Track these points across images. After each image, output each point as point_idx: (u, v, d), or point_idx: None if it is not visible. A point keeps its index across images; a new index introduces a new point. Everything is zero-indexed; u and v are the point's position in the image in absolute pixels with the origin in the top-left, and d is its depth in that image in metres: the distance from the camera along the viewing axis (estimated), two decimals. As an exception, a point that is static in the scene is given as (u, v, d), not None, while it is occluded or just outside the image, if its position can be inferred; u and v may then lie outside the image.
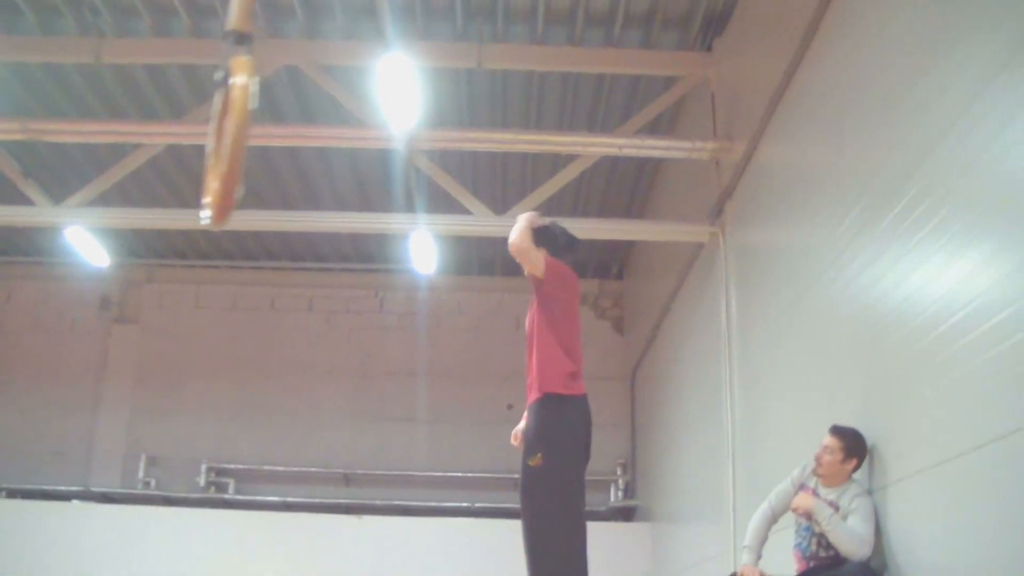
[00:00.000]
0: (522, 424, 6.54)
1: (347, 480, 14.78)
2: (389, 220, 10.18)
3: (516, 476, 14.09)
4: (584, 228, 9.87)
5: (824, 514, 5.76)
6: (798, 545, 6.09)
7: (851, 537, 5.65)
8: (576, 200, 12.67)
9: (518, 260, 5.96)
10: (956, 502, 5.14)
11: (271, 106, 10.92)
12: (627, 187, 12.55)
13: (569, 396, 6.01)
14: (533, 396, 6.03)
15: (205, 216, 3.42)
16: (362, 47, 9.76)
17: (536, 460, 5.92)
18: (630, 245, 14.65)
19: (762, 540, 6.24)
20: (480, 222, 9.79)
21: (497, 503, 14.36)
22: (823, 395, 7.14)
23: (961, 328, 5.08)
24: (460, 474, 14.85)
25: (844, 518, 5.76)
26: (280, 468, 14.72)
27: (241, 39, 3.43)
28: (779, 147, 8.23)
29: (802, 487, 6.15)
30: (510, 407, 15.19)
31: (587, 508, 13.95)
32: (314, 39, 9.87)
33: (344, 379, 15.22)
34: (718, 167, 9.82)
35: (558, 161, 10.49)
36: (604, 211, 11.50)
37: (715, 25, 9.72)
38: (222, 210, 3.24)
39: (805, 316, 7.49)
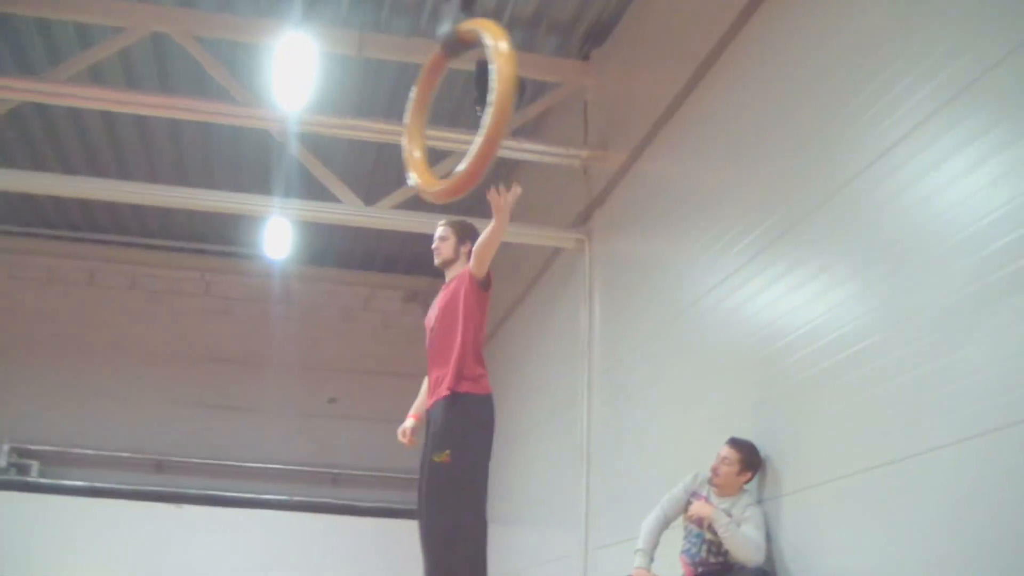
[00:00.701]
0: (410, 422, 6.60)
1: (159, 467, 14.23)
2: (246, 201, 9.83)
3: (333, 471, 14.08)
4: (413, 221, 9.96)
5: (722, 522, 5.96)
6: (687, 551, 6.27)
7: (747, 544, 5.87)
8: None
9: (480, 255, 5.90)
10: (847, 517, 5.48)
11: (129, 72, 10.46)
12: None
13: (484, 396, 6.01)
14: (444, 392, 5.97)
15: (416, 183, 3.17)
16: (237, 21, 9.49)
17: (443, 457, 5.85)
18: (465, 245, 14.67)
19: (654, 544, 6.38)
20: (349, 211, 9.64)
21: (316, 497, 14.19)
22: (702, 410, 7.40)
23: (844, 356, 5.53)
24: (279, 466, 14.54)
25: (738, 526, 5.97)
26: (89, 451, 14.03)
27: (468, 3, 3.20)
28: (664, 164, 8.43)
29: (694, 495, 6.33)
30: (332, 401, 15.03)
31: (405, 506, 13.99)
32: (188, 7, 9.53)
33: (163, 362, 14.65)
34: (586, 175, 9.99)
35: (433, 156, 10.37)
36: (448, 208, 11.37)
37: (596, 36, 9.86)
38: (459, 187, 3.01)
39: (685, 332, 7.72)
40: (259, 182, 11.19)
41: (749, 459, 6.18)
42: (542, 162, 10.02)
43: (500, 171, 11.56)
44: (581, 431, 9.35)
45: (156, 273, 15.05)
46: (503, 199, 5.72)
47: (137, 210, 13.82)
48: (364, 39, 9.59)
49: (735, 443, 6.22)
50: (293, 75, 8.82)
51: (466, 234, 6.29)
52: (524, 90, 2.92)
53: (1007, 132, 4.59)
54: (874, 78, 5.57)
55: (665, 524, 6.42)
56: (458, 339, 6.00)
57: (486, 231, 5.84)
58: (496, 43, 2.78)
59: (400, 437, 6.62)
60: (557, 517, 9.76)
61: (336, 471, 14.75)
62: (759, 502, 6.16)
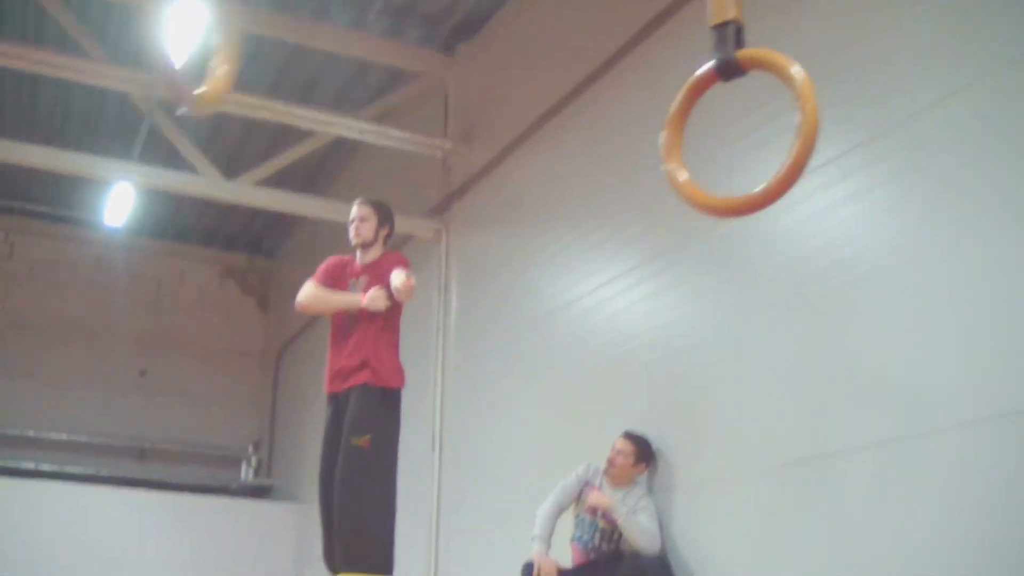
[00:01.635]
0: None
1: (-44, 436, 13.56)
2: (92, 164, 9.48)
3: (141, 446, 13.75)
4: (274, 199, 10.02)
5: (620, 511, 6.29)
6: (579, 539, 6.59)
7: (644, 533, 6.22)
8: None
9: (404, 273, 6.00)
10: (736, 513, 6.00)
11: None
12: (312, 164, 12.29)
13: (399, 390, 6.23)
14: (364, 380, 6.09)
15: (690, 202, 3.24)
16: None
17: (363, 441, 5.96)
18: (290, 224, 14.57)
19: (551, 531, 6.63)
20: (207, 184, 9.49)
21: (122, 472, 13.81)
22: (564, 409, 7.89)
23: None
24: (85, 439, 14.07)
25: (633, 515, 6.32)
26: None
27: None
28: (536, 167, 8.76)
29: (587, 484, 6.63)
30: (143, 374, 14.65)
31: (216, 484, 13.88)
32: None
33: (-41, 326, 13.94)
34: (444, 166, 10.16)
35: (291, 135, 10.37)
36: (281, 183, 11.22)
37: (463, 31, 10.01)
38: (757, 205, 3.09)
39: (551, 333, 8.18)
40: (104, 145, 10.82)
41: (643, 452, 6.55)
42: (398, 149, 10.07)
43: (348, 151, 11.59)
44: (432, 417, 9.52)
45: (-45, 231, 14.27)
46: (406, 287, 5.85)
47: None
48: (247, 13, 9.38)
49: (630, 436, 6.58)
50: (171, 40, 8.56)
51: (386, 216, 6.41)
52: None
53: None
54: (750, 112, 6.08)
55: (559, 512, 6.69)
56: (383, 336, 6.19)
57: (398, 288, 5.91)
58: (794, 72, 2.90)
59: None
60: (406, 500, 9.86)
61: (144, 445, 14.40)
62: (650, 493, 6.52)
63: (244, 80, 9.53)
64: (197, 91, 4.73)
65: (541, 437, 8.11)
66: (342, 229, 11.54)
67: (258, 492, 14.18)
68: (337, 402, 6.20)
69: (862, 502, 5.19)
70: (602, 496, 6.44)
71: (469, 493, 8.97)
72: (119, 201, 11.43)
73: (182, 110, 5.34)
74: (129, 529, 12.46)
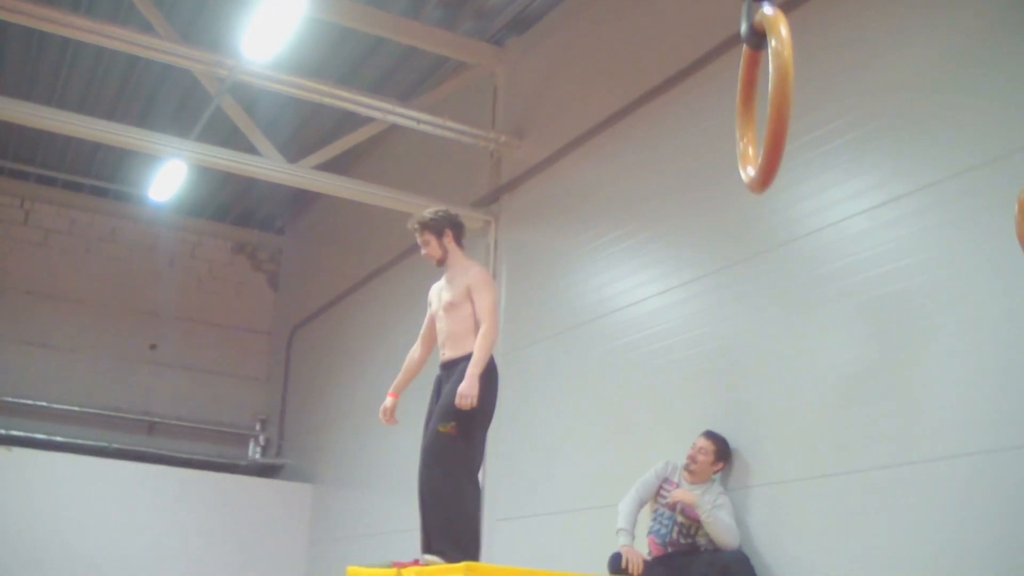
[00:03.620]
0: (390, 401, 6.83)
1: (-32, 405, 13.47)
2: (151, 139, 9.42)
3: (150, 419, 13.78)
4: (334, 184, 10.05)
5: (704, 508, 6.48)
6: (656, 532, 6.75)
7: (726, 528, 6.42)
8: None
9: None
10: (813, 512, 6.18)
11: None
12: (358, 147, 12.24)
13: (490, 366, 6.27)
14: (455, 357, 6.31)
15: (749, 179, 3.28)
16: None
17: (448, 428, 6.07)
18: (303, 203, 14.62)
19: (634, 523, 6.78)
20: (269, 166, 9.53)
21: (133, 446, 13.81)
22: (617, 404, 8.06)
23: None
24: (95, 411, 14.04)
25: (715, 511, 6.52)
26: None
27: None
28: (594, 168, 8.87)
29: (666, 481, 6.82)
30: (153, 347, 14.63)
31: (224, 460, 13.96)
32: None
33: (-27, 292, 13.83)
34: (493, 158, 10.28)
35: (345, 120, 10.46)
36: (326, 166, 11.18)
37: (516, 26, 10.12)
38: (768, 176, 3.16)
39: (604, 332, 8.33)
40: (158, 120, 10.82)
41: (722, 450, 6.74)
42: (451, 139, 10.17)
43: (393, 136, 11.65)
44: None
45: (-29, 195, 14.14)
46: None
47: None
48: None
49: (711, 436, 6.76)
50: (254, 26, 8.60)
51: (440, 225, 6.52)
52: None
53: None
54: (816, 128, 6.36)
55: (640, 506, 6.85)
56: (470, 326, 6.33)
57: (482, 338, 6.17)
58: (777, 28, 2.97)
59: (381, 416, 6.83)
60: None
61: (153, 419, 14.39)
62: (726, 491, 6.74)
63: (293, 62, 9.65)
64: None
65: (590, 431, 8.29)
66: (357, 210, 11.82)
67: (268, 471, 14.22)
68: (438, 384, 6.44)
69: (932, 509, 5.46)
70: (686, 492, 6.62)
71: (515, 483, 9.12)
72: (169, 178, 11.41)
73: None
74: (139, 502, 12.50)
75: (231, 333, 15.17)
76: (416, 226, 6.48)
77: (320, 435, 13.27)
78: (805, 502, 6.26)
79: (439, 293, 6.62)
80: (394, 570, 6.11)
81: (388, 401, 6.82)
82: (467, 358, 6.16)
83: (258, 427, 14.67)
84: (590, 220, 8.75)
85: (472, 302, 6.32)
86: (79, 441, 13.51)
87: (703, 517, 6.46)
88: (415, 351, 6.95)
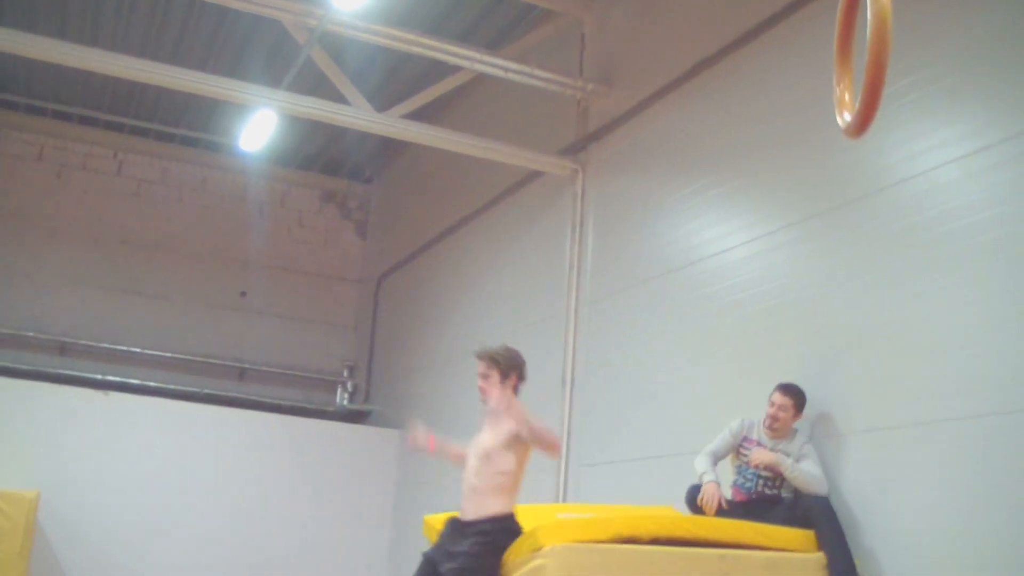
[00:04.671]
0: (423, 438, 6.49)
1: (63, 349, 13.82)
2: (242, 89, 9.52)
3: (240, 366, 13.98)
4: (422, 134, 10.06)
5: (786, 464, 6.44)
6: (740, 484, 6.74)
7: (813, 479, 6.38)
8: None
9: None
10: (903, 459, 6.09)
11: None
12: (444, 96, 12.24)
13: (507, 515, 5.92)
14: (470, 517, 5.90)
15: (846, 125, 3.25)
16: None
17: None
18: (391, 152, 14.70)
19: (715, 469, 6.76)
20: (358, 115, 9.59)
21: (225, 391, 14.12)
22: (703, 352, 8.01)
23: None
24: (186, 357, 14.37)
25: (797, 462, 6.49)
26: (-13, 326, 13.50)
27: None
28: (685, 116, 8.76)
29: (745, 440, 6.76)
30: (243, 294, 14.87)
31: (312, 406, 14.10)
32: None
33: (69, 240, 14.17)
34: (580, 106, 10.24)
35: (433, 69, 10.48)
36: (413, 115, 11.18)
37: (602, -25, 10.05)
38: (866, 122, 3.12)
39: (693, 281, 8.27)
40: (248, 70, 10.91)
41: (800, 402, 6.65)
42: (538, 88, 10.14)
43: (485, 88, 11.64)
44: (564, 352, 9.68)
45: (66, 145, 14.41)
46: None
47: (49, 72, 12.91)
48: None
49: (787, 390, 6.65)
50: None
51: (509, 365, 6.10)
52: None
53: None
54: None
55: (716, 463, 6.82)
56: (499, 486, 5.92)
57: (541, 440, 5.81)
58: None
59: (410, 442, 6.62)
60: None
61: (244, 366, 14.68)
62: (810, 439, 6.68)
63: (381, 11, 9.65)
64: None
65: (674, 379, 8.28)
66: (445, 159, 11.86)
67: (355, 417, 14.44)
68: (449, 531, 6.05)
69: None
70: (765, 453, 6.54)
71: (599, 428, 9.16)
72: (259, 127, 11.52)
73: None
74: (229, 446, 12.76)
75: (319, 281, 15.38)
76: (485, 358, 6.09)
77: (407, 382, 13.42)
78: (891, 451, 6.19)
79: (477, 440, 6.14)
80: None
81: (422, 438, 6.54)
82: (487, 521, 5.80)
83: (346, 374, 14.88)
84: (677, 169, 8.69)
85: (514, 455, 5.90)
86: (172, 386, 13.83)
87: (787, 473, 6.44)
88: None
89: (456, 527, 5.97)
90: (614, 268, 9.36)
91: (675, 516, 6.33)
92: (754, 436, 6.73)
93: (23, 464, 11.58)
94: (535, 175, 10.73)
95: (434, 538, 6.31)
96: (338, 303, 15.44)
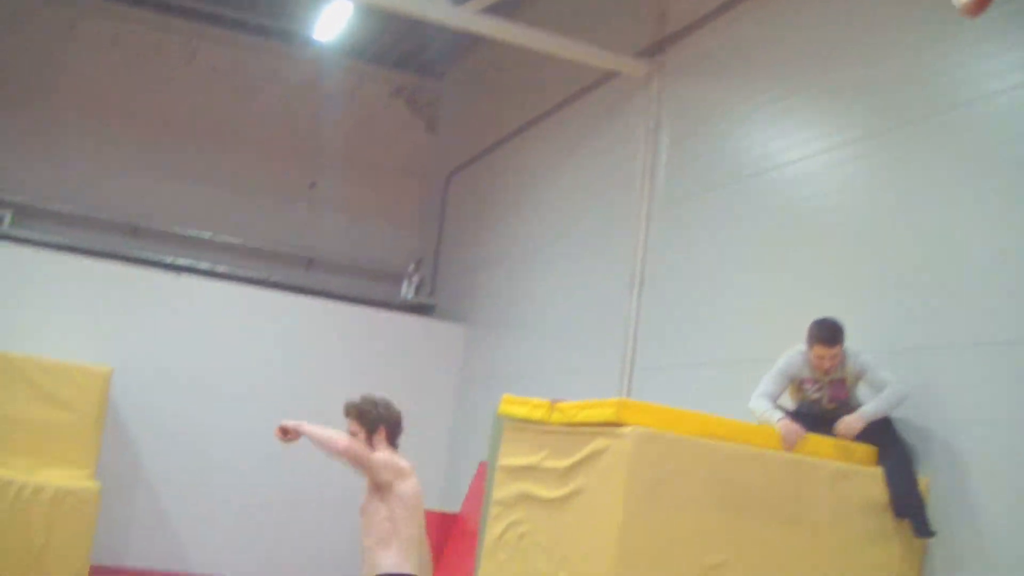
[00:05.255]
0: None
1: (135, 232, 14.07)
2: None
3: (308, 255, 14.16)
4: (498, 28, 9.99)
5: (869, 411, 6.23)
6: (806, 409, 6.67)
7: (897, 397, 6.20)
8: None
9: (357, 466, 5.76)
10: (973, 376, 6.03)
11: None
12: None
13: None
14: (375, 572, 5.66)
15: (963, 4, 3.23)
16: None
17: None
18: (464, 48, 14.63)
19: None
20: (435, 9, 9.57)
21: (291, 279, 14.33)
22: (773, 261, 7.99)
23: None
24: (256, 244, 14.61)
25: (857, 380, 6.40)
26: (64, 207, 13.72)
27: None
28: (764, 19, 8.60)
29: (803, 381, 6.55)
30: (312, 186, 15.01)
31: (378, 298, 14.24)
32: None
33: (142, 125, 14.30)
34: (658, 7, 10.11)
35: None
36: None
37: None
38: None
39: (769, 191, 8.18)
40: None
41: (841, 338, 6.34)
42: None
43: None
44: (634, 255, 9.71)
45: (140, 32, 14.48)
46: None
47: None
48: None
49: (830, 340, 6.32)
50: None
51: (373, 418, 6.04)
52: None
53: None
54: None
55: (774, 403, 6.66)
56: (383, 536, 5.74)
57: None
58: None
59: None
60: (600, 333, 10.17)
61: (312, 255, 14.86)
62: (860, 352, 6.46)
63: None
64: None
65: (743, 286, 8.28)
66: (519, 56, 11.78)
67: (420, 310, 14.61)
68: None
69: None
70: (853, 422, 6.23)
71: (667, 332, 9.20)
72: (334, 18, 11.53)
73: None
74: (295, 333, 13.01)
75: (388, 175, 15.45)
76: (350, 410, 6.00)
77: (473, 277, 13.54)
78: (954, 369, 6.16)
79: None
80: (548, 403, 6.27)
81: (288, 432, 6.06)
82: None
83: (412, 267, 15.02)
84: (756, 74, 8.58)
85: (380, 500, 5.73)
86: (240, 272, 14.06)
87: (879, 414, 6.24)
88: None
89: None
90: (687, 173, 9.33)
91: (748, 425, 6.27)
92: (807, 374, 6.52)
93: (97, 340, 11.91)
94: (610, 75, 10.66)
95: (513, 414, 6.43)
96: (405, 197, 15.53)
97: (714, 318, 8.60)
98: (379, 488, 5.73)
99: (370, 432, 5.92)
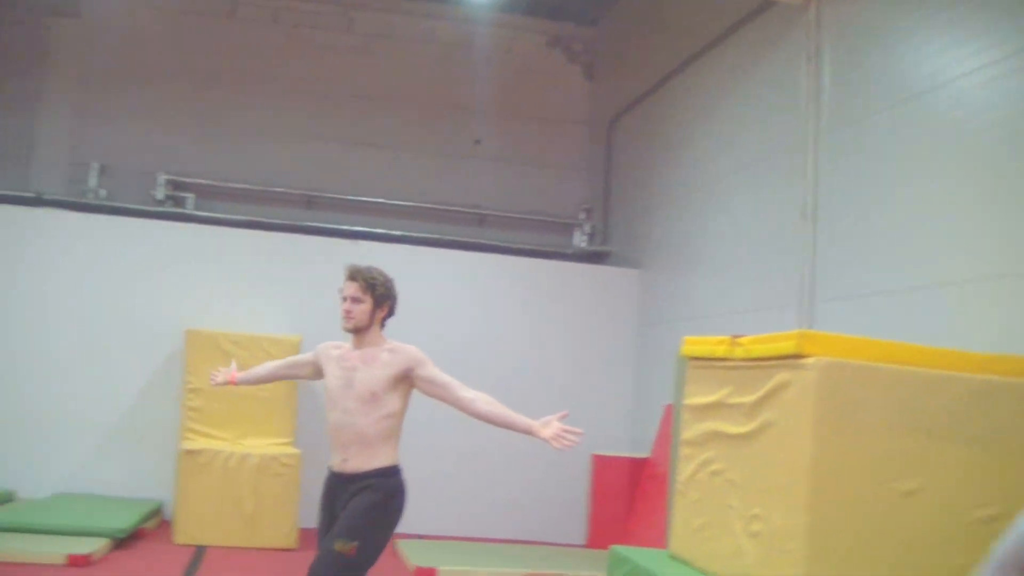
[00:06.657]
0: (222, 377, 6.37)
1: (310, 203, 14.50)
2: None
3: (479, 212, 14.35)
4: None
5: None
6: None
7: None
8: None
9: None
10: None
11: None
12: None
13: (394, 467, 5.58)
14: (357, 469, 5.47)
15: None
16: None
17: (350, 548, 5.22)
18: (616, -7, 14.55)
19: None
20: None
21: (463, 237, 14.57)
22: (951, 184, 7.63)
23: None
24: (427, 205, 14.88)
25: None
26: (242, 185, 14.23)
27: None
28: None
29: None
30: (477, 142, 15.16)
31: (551, 250, 14.29)
32: None
33: (306, 98, 14.68)
34: (812, -71, 9.84)
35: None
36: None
37: None
38: None
39: (940, 107, 7.82)
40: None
41: None
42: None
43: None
44: (804, 186, 9.52)
45: (298, 6, 14.83)
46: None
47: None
48: None
49: None
50: None
51: (385, 295, 5.75)
52: None
53: None
54: None
55: None
56: (387, 431, 5.59)
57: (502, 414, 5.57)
58: None
59: (212, 379, 6.39)
60: (773, 267, 10.03)
61: (482, 212, 15.05)
62: None
63: None
64: None
65: (919, 209, 8.01)
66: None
67: (594, 258, 14.67)
68: (332, 489, 5.64)
69: None
70: None
71: (845, 262, 8.99)
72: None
73: None
74: (473, 289, 13.25)
75: (550, 126, 15.48)
76: (360, 280, 5.65)
77: (645, 221, 13.50)
78: None
79: (348, 371, 5.63)
80: (729, 339, 6.25)
81: (221, 377, 6.36)
82: (377, 473, 5.43)
83: (582, 216, 15.06)
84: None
85: (399, 396, 5.60)
86: (415, 234, 14.33)
87: None
88: (267, 372, 6.36)
89: (340, 480, 5.54)
90: (852, 97, 9.06)
91: (932, 349, 6.13)
92: None
93: (284, 311, 12.39)
94: (766, 5, 10.43)
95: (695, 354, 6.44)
96: (569, 146, 15.54)
97: (890, 244, 8.36)
98: (403, 380, 5.61)
99: (376, 305, 5.66)
